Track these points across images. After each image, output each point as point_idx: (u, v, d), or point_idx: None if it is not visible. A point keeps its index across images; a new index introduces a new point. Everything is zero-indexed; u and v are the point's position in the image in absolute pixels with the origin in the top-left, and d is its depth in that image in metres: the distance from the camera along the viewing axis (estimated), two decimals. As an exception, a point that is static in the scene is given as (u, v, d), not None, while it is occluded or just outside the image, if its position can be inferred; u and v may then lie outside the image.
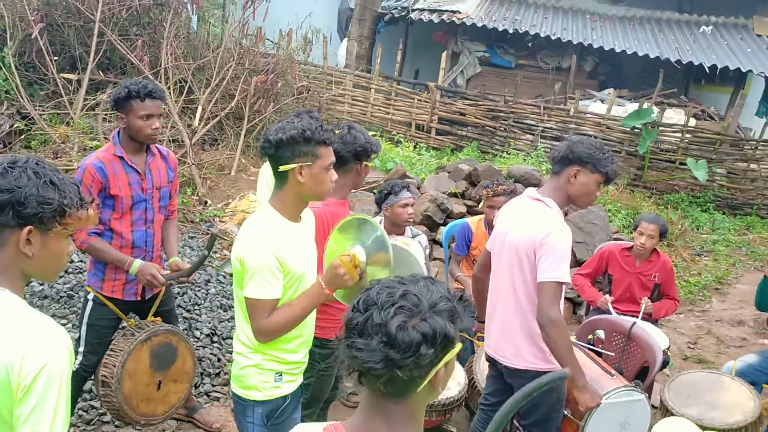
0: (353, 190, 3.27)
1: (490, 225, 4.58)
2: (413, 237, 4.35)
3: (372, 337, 1.23)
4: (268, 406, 2.45)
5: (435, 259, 6.04)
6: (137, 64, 7.32)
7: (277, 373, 2.45)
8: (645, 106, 9.86)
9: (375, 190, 7.22)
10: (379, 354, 1.22)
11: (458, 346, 1.31)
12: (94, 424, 3.76)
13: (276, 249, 2.28)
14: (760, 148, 9.96)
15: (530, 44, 12.34)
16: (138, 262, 3.28)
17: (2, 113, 6.75)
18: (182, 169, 6.83)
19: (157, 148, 3.43)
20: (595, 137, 9.90)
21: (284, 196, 2.37)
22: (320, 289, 2.32)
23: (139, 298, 3.47)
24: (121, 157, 3.25)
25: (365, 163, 2.98)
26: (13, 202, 1.52)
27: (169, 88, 7.34)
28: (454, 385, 3.90)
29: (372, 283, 1.33)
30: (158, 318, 3.52)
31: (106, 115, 7.00)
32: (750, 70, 10.57)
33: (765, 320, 6.00)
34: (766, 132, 9.88)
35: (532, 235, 2.78)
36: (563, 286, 2.77)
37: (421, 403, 1.34)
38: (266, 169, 3.66)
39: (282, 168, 2.30)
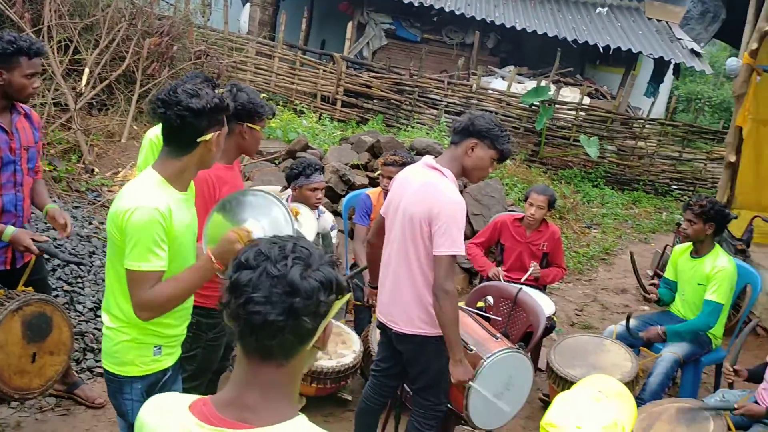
0: (248, 159, 3.16)
1: (386, 195, 4.57)
2: (319, 216, 4.30)
3: (272, 290, 1.19)
4: (148, 380, 2.32)
5: (341, 230, 6.00)
6: (17, 21, 6.76)
7: (156, 347, 2.32)
8: (543, 84, 10.18)
9: (276, 161, 7.07)
10: (282, 305, 1.19)
11: (349, 295, 1.30)
12: (-40, 403, 3.49)
13: (162, 217, 2.13)
14: (647, 126, 10.53)
15: (435, 19, 12.42)
16: (11, 229, 3.04)
17: None
18: (67, 135, 6.43)
19: (21, 106, 3.18)
20: (496, 113, 10.14)
21: (182, 165, 2.22)
22: (210, 263, 2.15)
23: (8, 267, 3.23)
24: None
25: (249, 125, 2.85)
26: None
27: (52, 48, 6.84)
28: (350, 352, 3.90)
29: (253, 242, 1.30)
30: (30, 288, 3.29)
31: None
32: (640, 52, 11.12)
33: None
34: (653, 111, 10.45)
35: (428, 206, 2.79)
36: (456, 257, 2.80)
37: (302, 367, 1.31)
38: (160, 137, 3.44)
39: (201, 138, 2.17)
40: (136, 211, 2.10)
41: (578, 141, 10.10)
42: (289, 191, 4.15)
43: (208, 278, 2.21)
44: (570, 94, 10.88)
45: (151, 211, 2.11)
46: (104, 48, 7.32)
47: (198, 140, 2.19)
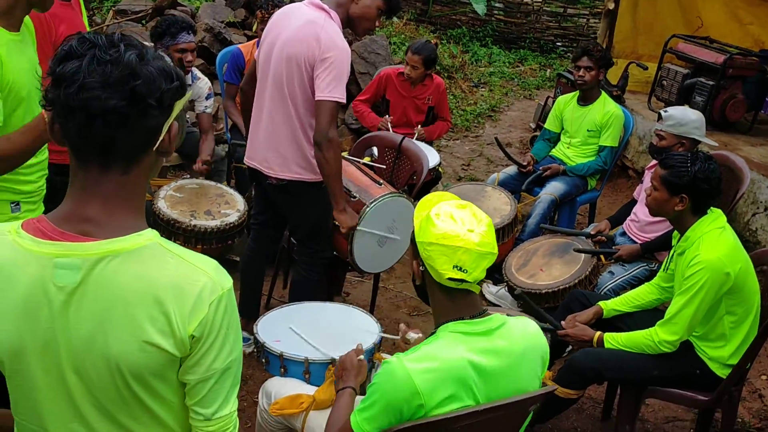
0: (112, 18, 2.80)
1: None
2: (192, 82, 3.99)
3: (107, 74, 1.05)
4: None
5: (218, 94, 5.66)
6: None
7: (13, 203, 2.13)
8: (430, -64, 9.74)
9: (144, 21, 6.47)
10: (121, 87, 1.06)
11: (189, 93, 1.19)
12: None
13: None
14: (533, -18, 10.43)
15: None
16: None
17: None
18: None
19: None
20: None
21: (9, 0, 1.93)
22: (44, 123, 1.84)
23: None
24: None
25: None
26: None
27: None
28: (234, 212, 3.79)
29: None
30: None
31: None
32: None
33: (528, 141, 6.56)
34: (539, -34, 10.33)
35: (312, 45, 2.62)
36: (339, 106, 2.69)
37: (146, 176, 1.20)
38: None
39: None
40: None
41: (467, -2, 9.91)
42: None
43: (46, 140, 1.92)
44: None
45: None
46: None
47: None
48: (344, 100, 2.66)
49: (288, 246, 3.45)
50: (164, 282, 1.13)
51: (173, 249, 1.17)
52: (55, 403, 1.17)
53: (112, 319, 1.12)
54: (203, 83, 4.07)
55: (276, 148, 2.80)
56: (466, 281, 1.65)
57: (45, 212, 1.38)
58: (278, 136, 2.80)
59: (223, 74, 4.54)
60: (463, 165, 6.20)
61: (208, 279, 1.16)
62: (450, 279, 1.65)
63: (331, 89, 2.61)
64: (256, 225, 3.21)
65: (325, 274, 3.22)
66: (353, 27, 2.82)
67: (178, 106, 1.15)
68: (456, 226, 1.65)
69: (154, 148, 1.15)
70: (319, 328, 2.44)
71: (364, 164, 3.43)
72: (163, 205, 3.43)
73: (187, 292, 1.14)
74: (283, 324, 2.45)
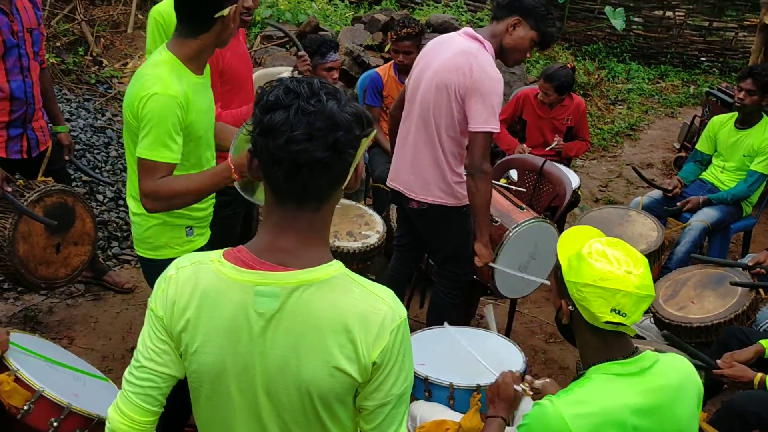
0: (258, 44, 3.01)
1: (399, 71, 4.40)
2: None
3: (312, 126, 1.13)
4: None
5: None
6: None
7: (187, 227, 2.29)
8: (566, -48, 9.54)
9: (287, 46, 6.82)
10: (324, 140, 1.14)
11: (374, 132, 1.25)
12: (-8, 292, 3.58)
13: (179, 107, 2.01)
14: (676, -6, 9.93)
15: None
16: None
17: None
18: (71, 26, 6.22)
19: None
20: (516, -13, 9.63)
21: (198, 45, 2.09)
22: (228, 171, 1.99)
23: (25, 156, 3.19)
24: None
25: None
26: None
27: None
28: (373, 233, 3.88)
29: (269, 85, 1.22)
30: (49, 178, 3.27)
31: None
32: None
33: (672, 161, 6.23)
34: (683, -22, 9.81)
35: (465, 74, 2.66)
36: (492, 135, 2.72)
37: (333, 210, 1.28)
38: (162, 12, 3.27)
39: (219, 13, 2.02)
40: (152, 99, 1.98)
41: (603, 14, 9.58)
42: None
43: (222, 186, 2.07)
44: (594, -37, 10.23)
45: (167, 99, 1.99)
46: (100, -69, 6.93)
47: (216, 16, 2.04)
48: (498, 130, 2.68)
49: (426, 267, 3.49)
50: (352, 311, 1.19)
51: (357, 279, 1.24)
52: (245, 423, 1.26)
53: (305, 345, 1.19)
54: None
55: (419, 172, 2.86)
56: (624, 325, 1.59)
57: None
58: (421, 160, 2.85)
59: (363, 99, 4.68)
60: (601, 186, 5.98)
61: (388, 308, 1.21)
62: (607, 323, 1.59)
63: (485, 120, 2.63)
64: (399, 246, 3.28)
65: (463, 297, 3.22)
66: (504, 57, 2.83)
67: (364, 145, 1.21)
68: (613, 267, 1.57)
69: (343, 187, 1.22)
70: (460, 353, 2.45)
71: (502, 186, 3.41)
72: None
73: (371, 321, 1.19)
74: (425, 347, 2.48)
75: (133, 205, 2.26)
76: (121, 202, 4.39)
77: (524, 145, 4.53)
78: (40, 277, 3.18)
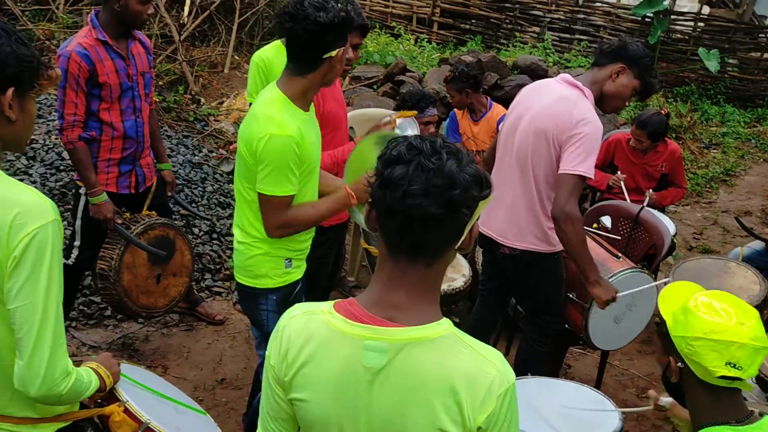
0: (347, 84, 3.12)
1: (469, 110, 4.56)
2: None
3: (429, 182, 1.15)
4: (282, 292, 2.39)
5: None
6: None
7: (286, 259, 2.37)
8: (657, -8, 9.38)
9: (374, 86, 6.97)
10: (441, 197, 1.15)
11: (492, 195, 1.25)
12: (95, 318, 3.76)
13: (296, 145, 2.13)
14: (775, 36, 9.55)
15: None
16: (104, 197, 3.15)
17: (-19, 9, 6.43)
18: (173, 67, 6.58)
19: (135, 32, 3.24)
20: (604, 27, 9.52)
21: (306, 84, 2.20)
22: (348, 198, 2.14)
23: (132, 191, 3.37)
24: (104, 42, 3.07)
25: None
26: None
27: (154, -21, 6.95)
28: (459, 277, 3.86)
29: (394, 142, 1.24)
30: (153, 212, 3.44)
31: (89, 10, 6.67)
32: (770, -48, 9.98)
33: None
34: (783, 19, 9.44)
35: (564, 121, 2.64)
36: (584, 181, 2.67)
37: (445, 269, 1.28)
38: (264, 58, 3.44)
39: (327, 54, 2.13)
40: (271, 140, 2.11)
41: (696, 55, 9.31)
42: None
43: (342, 211, 2.26)
44: (688, 4, 10.00)
45: (286, 140, 2.11)
46: (203, -22, 7.36)
47: (324, 57, 2.14)
48: (591, 175, 2.62)
49: (512, 313, 3.43)
50: (459, 372, 1.18)
51: (465, 339, 1.22)
52: None
53: (411, 403, 1.18)
54: None
55: (513, 218, 2.83)
56: (740, 379, 1.51)
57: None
58: (516, 206, 2.82)
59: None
60: (695, 234, 5.75)
61: (497, 372, 1.19)
62: (721, 377, 1.51)
63: (577, 163, 2.59)
64: (485, 291, 3.24)
65: (552, 346, 3.13)
66: (603, 104, 2.79)
67: (482, 207, 1.21)
68: (723, 319, 1.51)
69: (456, 246, 1.22)
70: (551, 406, 2.37)
71: (595, 233, 3.33)
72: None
73: (478, 384, 1.17)
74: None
75: (238, 234, 2.38)
76: (214, 235, 4.56)
77: (619, 173, 4.41)
78: (141, 306, 3.33)
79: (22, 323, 1.42)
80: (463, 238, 1.22)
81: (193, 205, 4.67)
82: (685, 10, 9.76)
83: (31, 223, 1.40)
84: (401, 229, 1.18)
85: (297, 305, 1.35)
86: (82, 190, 3.20)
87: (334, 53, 2.15)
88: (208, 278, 4.28)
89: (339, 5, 2.14)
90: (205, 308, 3.94)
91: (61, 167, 4.45)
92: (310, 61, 2.16)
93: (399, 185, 1.16)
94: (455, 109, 4.79)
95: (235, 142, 5.87)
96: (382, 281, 1.25)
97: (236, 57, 7.55)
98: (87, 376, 1.63)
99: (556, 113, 2.66)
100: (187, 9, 7.11)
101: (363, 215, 2.23)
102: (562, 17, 9.75)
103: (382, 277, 1.25)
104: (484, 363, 1.20)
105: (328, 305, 1.28)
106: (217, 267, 4.37)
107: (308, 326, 1.27)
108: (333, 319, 1.24)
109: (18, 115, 1.47)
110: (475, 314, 3.29)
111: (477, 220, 1.23)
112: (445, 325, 1.23)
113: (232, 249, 4.46)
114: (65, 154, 4.47)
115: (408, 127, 3.51)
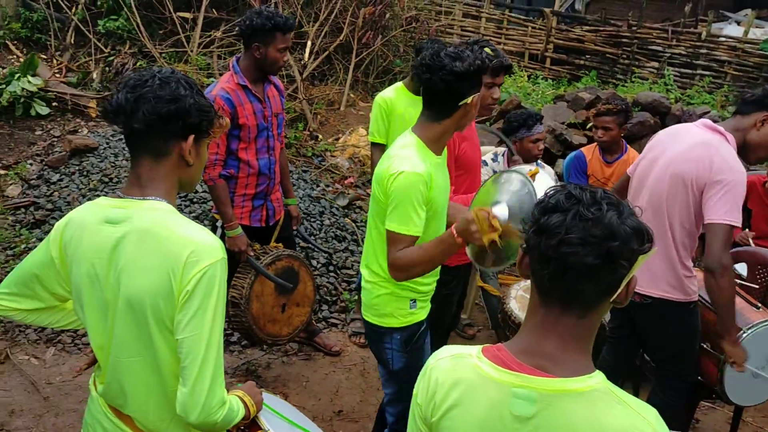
0: None
1: (603, 150, 4.35)
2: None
3: (587, 232, 1.15)
4: (406, 332, 2.42)
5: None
6: (248, 0, 7.37)
7: (411, 300, 2.42)
8: (789, 25, 8.87)
9: (488, 123, 6.99)
10: (598, 248, 1.14)
11: (654, 250, 1.23)
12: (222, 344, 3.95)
13: (424, 184, 2.18)
14: None
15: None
16: (239, 230, 3.34)
17: (126, 52, 7.04)
18: (293, 105, 6.91)
19: (270, 77, 3.45)
20: (730, 63, 9.08)
21: (441, 129, 2.27)
22: (452, 238, 2.12)
23: (263, 224, 3.55)
24: (244, 86, 3.29)
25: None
26: (180, 112, 1.54)
27: (279, 23, 7.35)
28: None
29: (550, 190, 1.25)
30: (279, 244, 3.61)
31: (220, 52, 7.15)
32: None
33: None
34: None
35: (705, 166, 2.57)
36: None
37: (598, 322, 1.26)
38: (386, 100, 3.56)
39: (462, 101, 2.20)
40: (401, 176, 2.17)
41: (834, 89, 8.71)
42: (503, 148, 4.06)
43: (452, 252, 2.18)
44: (823, 36, 9.39)
45: (414, 177, 2.17)
46: (323, 20, 7.71)
47: (459, 104, 2.20)
48: (739, 224, 2.52)
49: (639, 362, 3.29)
50: (612, 429, 1.15)
51: (618, 393, 1.20)
52: None
53: None
54: (549, 170, 4.20)
55: (647, 265, 2.73)
56: None
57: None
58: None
59: (568, 178, 4.64)
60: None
61: (651, 429, 1.16)
62: None
63: (726, 211, 2.50)
64: (613, 338, 3.13)
65: (683, 399, 2.97)
66: (746, 154, 2.69)
67: (641, 261, 1.19)
68: None
69: (611, 300, 1.21)
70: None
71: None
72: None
73: None
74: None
75: (366, 273, 2.45)
76: (331, 267, 4.69)
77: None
78: (267, 334, 3.48)
79: (188, 353, 1.53)
80: (619, 291, 1.20)
81: (312, 237, 4.84)
82: (821, 42, 9.14)
83: (203, 260, 1.51)
84: (554, 276, 1.18)
85: (444, 348, 1.38)
86: (219, 223, 3.41)
87: (469, 100, 2.20)
88: (324, 309, 4.40)
89: (474, 54, 2.19)
90: (323, 339, 4.05)
91: (194, 199, 4.76)
92: (445, 108, 2.22)
93: (555, 233, 1.16)
94: (583, 149, 4.68)
95: (350, 176, 6.08)
96: (532, 329, 1.25)
97: (352, 95, 7.82)
98: (236, 405, 1.72)
99: (696, 157, 2.58)
100: (308, 50, 7.46)
101: (482, 261, 2.24)
102: (683, 52, 9.40)
103: (533, 325, 1.25)
104: (638, 419, 1.17)
105: (476, 349, 1.30)
106: (334, 299, 4.49)
107: (456, 369, 1.29)
108: (481, 364, 1.26)
109: (195, 160, 1.61)
110: (602, 362, 3.17)
111: (635, 274, 1.21)
112: (598, 378, 1.21)
113: (347, 281, 4.63)
114: (198, 187, 4.78)
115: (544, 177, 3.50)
